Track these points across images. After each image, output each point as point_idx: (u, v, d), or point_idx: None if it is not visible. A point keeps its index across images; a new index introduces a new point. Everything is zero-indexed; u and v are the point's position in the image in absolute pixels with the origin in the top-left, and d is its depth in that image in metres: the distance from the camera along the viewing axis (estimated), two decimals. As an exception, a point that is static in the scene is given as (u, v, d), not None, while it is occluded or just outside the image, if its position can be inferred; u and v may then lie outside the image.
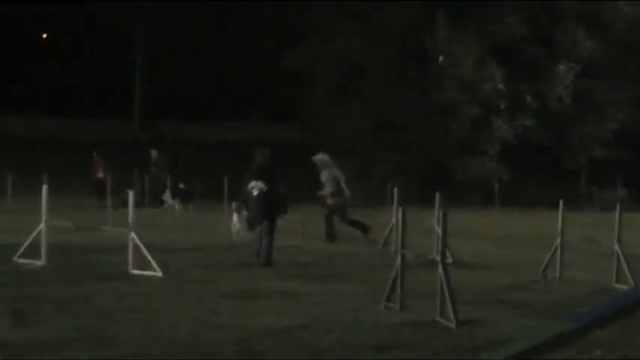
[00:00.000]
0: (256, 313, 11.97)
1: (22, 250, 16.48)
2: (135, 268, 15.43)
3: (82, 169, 41.05)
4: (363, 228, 22.69)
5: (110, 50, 62.92)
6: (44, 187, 16.83)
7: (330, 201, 22.72)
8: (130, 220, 15.94)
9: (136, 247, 15.61)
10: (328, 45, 51.46)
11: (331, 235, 22.80)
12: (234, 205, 19.34)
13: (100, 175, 37.24)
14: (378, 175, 47.89)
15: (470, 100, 48.53)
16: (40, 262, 16.12)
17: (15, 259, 16.38)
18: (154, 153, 37.43)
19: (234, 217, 19.94)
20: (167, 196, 34.71)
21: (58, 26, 66.54)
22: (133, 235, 15.76)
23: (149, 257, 15.34)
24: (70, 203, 32.32)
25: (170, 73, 63.73)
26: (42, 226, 16.66)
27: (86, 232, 20.53)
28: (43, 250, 16.31)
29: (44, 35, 69.43)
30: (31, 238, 16.63)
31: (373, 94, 49.93)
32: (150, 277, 14.97)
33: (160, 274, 15.06)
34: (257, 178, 17.19)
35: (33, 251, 16.42)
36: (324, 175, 22.72)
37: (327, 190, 22.66)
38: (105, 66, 63.18)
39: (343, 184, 22.76)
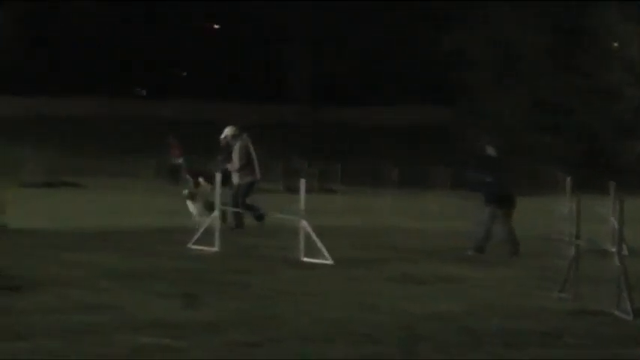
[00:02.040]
0: (419, 298, 11.99)
1: (196, 236, 16.79)
2: (306, 254, 15.55)
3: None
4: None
5: (269, 38, 63.85)
6: (217, 175, 17.31)
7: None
8: (302, 206, 16.17)
9: (307, 234, 15.73)
10: (484, 26, 50.99)
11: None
12: None
13: (178, 159, 37.69)
14: (535, 158, 47.32)
15: (635, 81, 47.30)
16: (213, 249, 16.44)
17: (189, 245, 16.72)
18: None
19: None
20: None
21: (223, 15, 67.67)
22: (304, 222, 15.93)
23: (320, 244, 15.45)
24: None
25: (327, 58, 64.20)
26: (216, 212, 17.06)
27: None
28: (216, 235, 16.61)
29: (215, 26, 70.81)
30: (205, 224, 17.00)
31: (530, 76, 49.22)
32: (319, 263, 15.08)
33: (330, 261, 15.11)
34: (487, 168, 17.19)
35: (205, 236, 16.72)
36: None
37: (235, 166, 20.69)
38: (263, 53, 64.15)
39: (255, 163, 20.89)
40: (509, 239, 17.14)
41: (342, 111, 64.47)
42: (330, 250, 15.43)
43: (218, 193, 17.29)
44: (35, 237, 17.74)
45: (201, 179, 20.94)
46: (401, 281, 13.48)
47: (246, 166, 20.48)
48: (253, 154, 20.71)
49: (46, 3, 61.55)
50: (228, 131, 20.77)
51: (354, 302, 11.54)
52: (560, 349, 9.20)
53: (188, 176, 22.17)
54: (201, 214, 19.81)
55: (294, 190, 19.45)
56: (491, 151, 17.64)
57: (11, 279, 12.03)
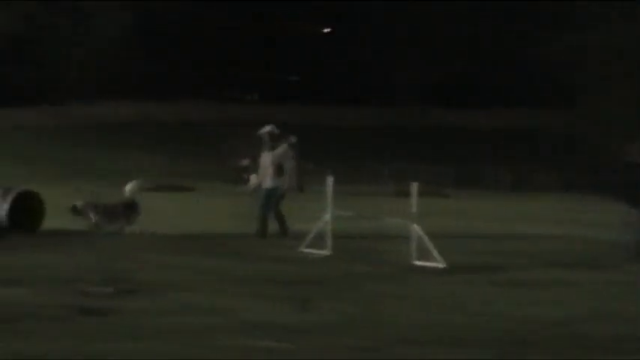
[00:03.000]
0: (526, 303, 11.90)
1: (308, 240, 16.79)
2: (417, 258, 15.43)
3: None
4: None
5: (377, 39, 63.88)
6: (330, 177, 17.21)
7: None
8: (414, 210, 15.94)
9: (420, 237, 15.58)
10: (601, 28, 50.03)
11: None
12: None
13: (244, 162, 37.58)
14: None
15: None
16: (325, 252, 16.42)
17: (301, 249, 16.71)
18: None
19: None
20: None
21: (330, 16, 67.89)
22: (415, 225, 15.77)
23: (432, 248, 15.30)
24: (349, 190, 32.78)
25: (432, 58, 63.89)
26: (327, 216, 16.96)
27: (367, 222, 20.69)
28: (329, 240, 16.59)
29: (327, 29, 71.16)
30: (316, 229, 16.93)
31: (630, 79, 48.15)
32: (432, 267, 14.97)
33: (443, 265, 14.99)
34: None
35: (318, 240, 16.73)
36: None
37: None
38: (370, 54, 64.20)
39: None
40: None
41: (452, 113, 63.98)
42: (440, 254, 15.31)
43: (330, 198, 17.06)
44: (147, 240, 17.95)
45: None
46: (508, 286, 13.38)
47: (278, 171, 19.57)
48: (291, 162, 19.83)
49: (156, 4, 62.34)
50: (269, 128, 19.81)
51: (462, 307, 11.51)
52: None
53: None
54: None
55: (403, 194, 19.25)
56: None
57: (125, 282, 12.23)
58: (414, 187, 16.07)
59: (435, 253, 15.19)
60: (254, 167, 20.26)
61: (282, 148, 19.58)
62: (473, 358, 8.67)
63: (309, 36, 68.58)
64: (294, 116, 62.35)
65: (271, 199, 19.23)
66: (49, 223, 18.55)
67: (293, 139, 19.81)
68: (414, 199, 15.98)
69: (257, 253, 16.42)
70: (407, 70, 65.34)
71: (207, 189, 36.93)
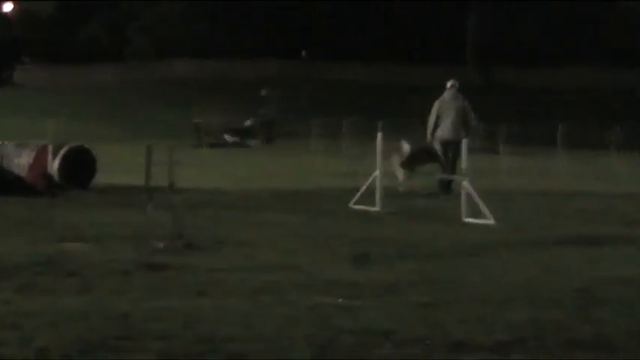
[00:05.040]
0: (597, 261, 11.82)
1: (357, 196, 17.01)
2: (469, 215, 15.56)
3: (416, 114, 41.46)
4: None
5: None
6: (379, 135, 17.43)
7: None
8: (464, 167, 16.27)
9: (470, 195, 15.74)
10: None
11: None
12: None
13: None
14: None
15: None
16: (374, 209, 16.58)
17: (351, 205, 16.92)
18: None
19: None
20: None
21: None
22: (466, 182, 15.96)
23: (482, 206, 15.39)
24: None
25: (506, 17, 63.38)
26: (377, 172, 17.09)
27: (419, 178, 20.99)
28: (378, 196, 16.78)
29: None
30: (366, 184, 17.11)
31: None
32: (483, 224, 15.05)
33: (492, 221, 15.07)
34: None
35: (367, 197, 16.93)
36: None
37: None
38: (439, 11, 63.85)
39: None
40: None
41: (515, 72, 63.54)
42: (495, 212, 15.37)
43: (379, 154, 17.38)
44: (213, 197, 18.22)
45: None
46: (577, 243, 13.34)
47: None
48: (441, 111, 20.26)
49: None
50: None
51: (529, 265, 11.46)
52: None
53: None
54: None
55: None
56: None
57: (195, 238, 12.34)
58: (465, 143, 16.29)
59: (486, 210, 15.23)
60: None
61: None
62: (546, 317, 8.56)
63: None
64: (356, 75, 62.63)
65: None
66: (115, 178, 18.99)
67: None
68: (464, 156, 16.20)
69: (323, 210, 16.68)
70: (476, 29, 65.00)
71: (279, 147, 37.27)
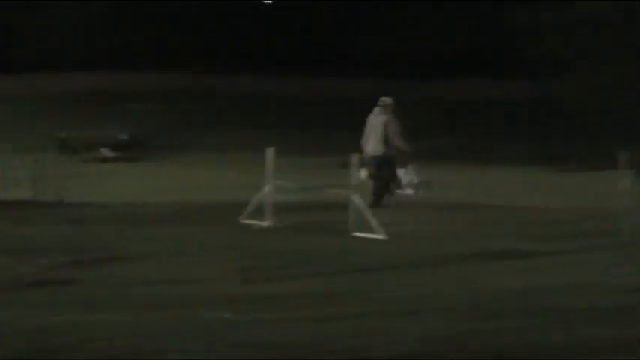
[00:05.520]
0: (491, 273, 12.05)
1: (248, 210, 16.87)
2: (357, 229, 15.55)
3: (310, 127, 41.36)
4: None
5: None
6: (270, 148, 17.34)
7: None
8: (353, 181, 16.30)
9: (360, 208, 15.75)
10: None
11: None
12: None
13: None
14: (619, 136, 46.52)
15: None
16: (265, 223, 16.54)
17: (241, 219, 16.80)
18: None
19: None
20: None
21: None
22: (355, 196, 16.00)
23: (372, 219, 15.44)
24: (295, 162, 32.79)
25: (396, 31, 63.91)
26: (267, 187, 17.03)
27: (310, 193, 20.76)
28: (269, 210, 16.69)
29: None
30: (256, 199, 17.02)
31: (614, 52, 48.48)
32: (373, 238, 15.09)
33: (382, 236, 15.12)
34: None
35: (258, 211, 16.79)
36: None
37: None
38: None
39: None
40: None
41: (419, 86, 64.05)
42: (385, 225, 15.43)
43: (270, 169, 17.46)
44: (103, 211, 17.96)
45: None
46: (469, 257, 13.48)
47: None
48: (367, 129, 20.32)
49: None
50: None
51: (419, 278, 11.68)
52: (623, 326, 9.12)
53: None
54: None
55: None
56: None
57: (86, 253, 12.34)
58: (353, 158, 16.42)
59: (375, 223, 15.27)
60: None
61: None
62: (440, 328, 8.71)
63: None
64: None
65: None
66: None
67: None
68: (353, 170, 16.31)
69: (205, 223, 16.66)
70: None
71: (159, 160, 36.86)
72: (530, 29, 50.16)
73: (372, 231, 15.35)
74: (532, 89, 52.70)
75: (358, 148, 19.84)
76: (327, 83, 60.18)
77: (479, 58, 61.92)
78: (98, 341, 7.89)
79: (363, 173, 19.58)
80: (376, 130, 19.96)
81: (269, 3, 68.70)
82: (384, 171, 19.31)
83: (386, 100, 20.34)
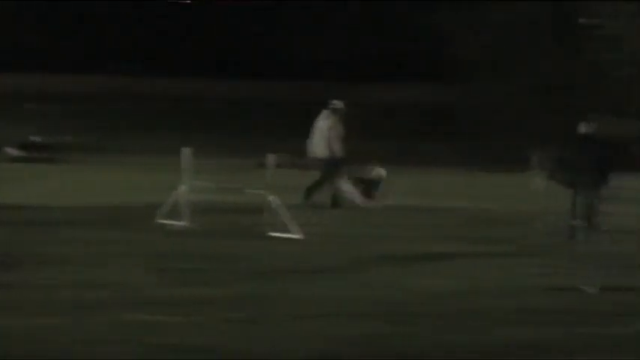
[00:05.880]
0: (406, 275, 12.08)
1: (164, 211, 16.73)
2: (275, 229, 15.50)
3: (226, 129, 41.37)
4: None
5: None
6: (186, 149, 17.15)
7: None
8: (269, 181, 16.09)
9: (276, 209, 15.69)
10: (479, 3, 50.83)
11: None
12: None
13: None
14: (527, 138, 47.21)
15: (622, 60, 47.39)
16: (182, 223, 16.36)
17: (157, 220, 16.64)
18: None
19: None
20: None
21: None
22: (273, 197, 15.84)
23: (289, 219, 15.42)
24: (215, 163, 32.61)
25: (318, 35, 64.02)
26: (183, 187, 16.86)
27: (229, 193, 20.72)
28: (186, 211, 16.51)
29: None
30: (172, 199, 16.85)
31: (524, 55, 49.23)
32: (290, 238, 15.07)
33: (298, 236, 15.11)
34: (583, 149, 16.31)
35: (175, 212, 16.65)
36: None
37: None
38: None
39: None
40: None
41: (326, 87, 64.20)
42: (303, 226, 15.38)
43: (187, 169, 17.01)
44: (29, 213, 17.66)
45: None
46: (385, 258, 13.50)
47: None
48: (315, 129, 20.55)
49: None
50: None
51: (340, 279, 11.63)
52: (549, 326, 9.30)
53: None
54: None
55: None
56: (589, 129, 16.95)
57: (8, 255, 12.20)
58: (271, 158, 16.19)
59: (292, 224, 15.26)
60: None
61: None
62: (358, 331, 8.75)
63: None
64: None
65: None
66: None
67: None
68: (269, 171, 16.18)
69: (124, 224, 16.53)
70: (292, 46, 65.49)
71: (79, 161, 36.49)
72: (446, 32, 50.92)
73: (289, 231, 15.30)
74: (448, 92, 53.38)
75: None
76: (245, 85, 60.44)
77: (397, 61, 62.81)
78: (16, 346, 7.84)
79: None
80: (323, 132, 20.26)
81: (187, 3, 68.50)
82: (327, 172, 19.89)
83: (336, 103, 20.55)
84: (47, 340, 8.06)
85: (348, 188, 20.47)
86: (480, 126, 44.44)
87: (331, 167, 19.99)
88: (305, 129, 21.07)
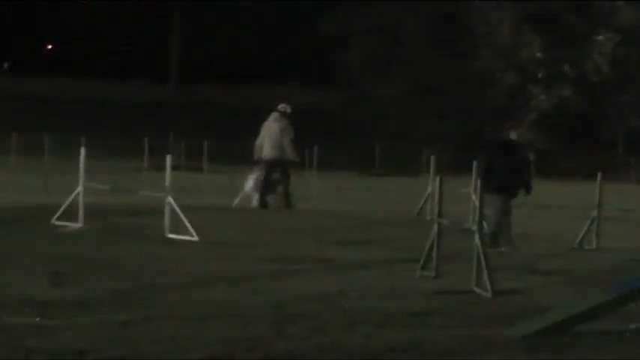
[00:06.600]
0: (293, 278, 12.00)
1: (59, 212, 16.53)
2: (171, 231, 15.48)
3: (119, 131, 41.18)
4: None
5: (147, 14, 63.17)
6: (82, 149, 16.95)
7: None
8: (167, 183, 16.02)
9: (173, 211, 15.61)
10: (365, 9, 51.31)
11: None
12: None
13: None
14: (415, 141, 47.87)
15: (506, 67, 48.34)
16: (77, 225, 16.21)
17: (52, 221, 16.43)
18: None
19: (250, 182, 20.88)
20: None
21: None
22: (169, 199, 15.78)
23: (185, 221, 15.33)
24: (108, 165, 32.36)
25: (207, 36, 63.80)
26: (79, 188, 16.67)
27: (123, 195, 20.63)
28: (81, 212, 16.36)
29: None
30: (68, 201, 16.66)
31: (410, 60, 49.86)
32: (186, 240, 15.01)
33: (195, 238, 15.08)
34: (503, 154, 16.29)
35: (70, 213, 16.46)
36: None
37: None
38: (141, 30, 63.45)
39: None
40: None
41: (213, 90, 64.18)
42: (199, 229, 15.35)
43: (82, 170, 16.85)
44: None
45: None
46: (274, 261, 13.44)
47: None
48: (263, 132, 21.00)
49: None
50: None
51: (231, 282, 11.50)
52: (428, 329, 9.24)
53: None
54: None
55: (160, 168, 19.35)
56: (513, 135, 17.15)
57: None
58: (168, 159, 16.14)
59: (189, 226, 15.20)
60: None
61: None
62: (240, 334, 8.66)
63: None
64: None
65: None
66: None
67: None
68: (167, 173, 16.08)
69: (13, 226, 16.18)
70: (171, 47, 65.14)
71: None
72: (338, 37, 51.37)
73: (188, 234, 15.23)
74: (339, 97, 53.84)
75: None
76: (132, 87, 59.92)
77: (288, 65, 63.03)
78: None
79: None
80: (273, 135, 20.64)
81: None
82: (276, 174, 20.66)
83: (286, 107, 21.02)
84: None
85: (251, 188, 20.91)
86: (370, 129, 44.88)
87: (285, 167, 20.70)
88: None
